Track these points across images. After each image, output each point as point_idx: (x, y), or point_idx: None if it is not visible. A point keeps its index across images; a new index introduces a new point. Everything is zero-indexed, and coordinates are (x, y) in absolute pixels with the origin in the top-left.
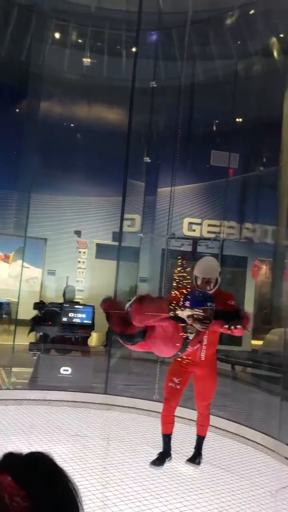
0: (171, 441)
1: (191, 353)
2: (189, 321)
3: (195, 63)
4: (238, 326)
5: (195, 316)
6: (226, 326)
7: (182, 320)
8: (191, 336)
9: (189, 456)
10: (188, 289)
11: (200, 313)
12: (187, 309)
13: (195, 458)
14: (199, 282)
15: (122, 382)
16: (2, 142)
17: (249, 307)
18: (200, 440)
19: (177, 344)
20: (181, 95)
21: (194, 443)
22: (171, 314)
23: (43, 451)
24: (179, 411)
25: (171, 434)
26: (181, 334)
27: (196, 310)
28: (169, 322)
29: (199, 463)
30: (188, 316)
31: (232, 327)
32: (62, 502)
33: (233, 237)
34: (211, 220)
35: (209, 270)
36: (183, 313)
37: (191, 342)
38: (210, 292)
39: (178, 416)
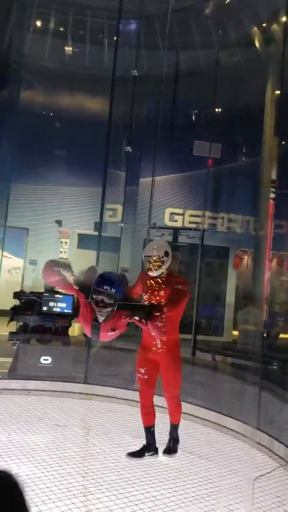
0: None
1: (147, 339)
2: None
3: (177, 52)
4: (137, 319)
5: (93, 297)
6: (125, 317)
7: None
8: (100, 319)
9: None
10: (178, 279)
11: (95, 295)
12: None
13: (169, 447)
14: (144, 263)
15: (102, 372)
16: None
17: (230, 297)
18: (172, 427)
19: (87, 323)
20: (162, 84)
21: (163, 430)
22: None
23: (7, 471)
24: (157, 400)
25: (152, 426)
26: (91, 314)
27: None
28: (79, 295)
29: (174, 451)
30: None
31: (133, 320)
32: None
33: (215, 227)
34: (193, 211)
35: (151, 247)
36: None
37: (102, 326)
38: (155, 274)
39: (161, 406)
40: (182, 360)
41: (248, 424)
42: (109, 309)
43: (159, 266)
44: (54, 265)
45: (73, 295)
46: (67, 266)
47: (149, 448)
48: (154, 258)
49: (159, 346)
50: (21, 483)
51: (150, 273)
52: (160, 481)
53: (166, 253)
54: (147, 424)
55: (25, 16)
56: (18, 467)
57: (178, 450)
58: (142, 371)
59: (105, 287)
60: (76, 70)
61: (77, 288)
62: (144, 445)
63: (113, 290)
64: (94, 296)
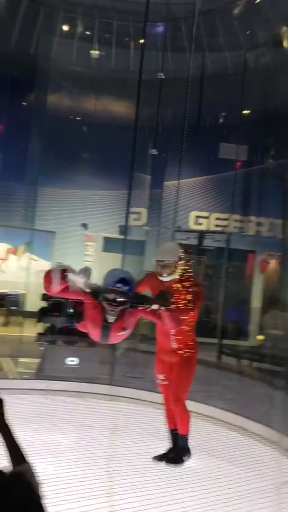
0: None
1: (162, 343)
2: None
3: (203, 54)
4: (155, 307)
5: (105, 296)
6: (144, 307)
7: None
8: (110, 320)
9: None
10: (191, 283)
11: (108, 293)
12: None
13: (174, 456)
14: (156, 268)
15: (127, 374)
16: (10, 135)
17: (256, 302)
18: (179, 438)
19: (97, 326)
20: (189, 87)
21: (201, 436)
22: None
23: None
24: (190, 405)
25: (174, 429)
26: (101, 315)
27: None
28: (87, 298)
29: (181, 460)
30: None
31: (148, 313)
32: None
33: (241, 230)
34: (218, 214)
35: (163, 252)
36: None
37: (112, 327)
38: (167, 279)
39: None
40: (206, 364)
41: (274, 429)
42: (121, 307)
43: (172, 272)
44: (58, 273)
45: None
46: (72, 270)
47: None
48: (168, 264)
49: (174, 347)
50: (36, 483)
51: (161, 278)
52: (185, 484)
53: (180, 258)
54: (171, 427)
55: (52, 20)
56: (43, 466)
57: (205, 453)
58: (161, 377)
59: (118, 285)
60: (102, 73)
61: (87, 291)
62: (170, 448)
63: (127, 288)
64: (106, 295)
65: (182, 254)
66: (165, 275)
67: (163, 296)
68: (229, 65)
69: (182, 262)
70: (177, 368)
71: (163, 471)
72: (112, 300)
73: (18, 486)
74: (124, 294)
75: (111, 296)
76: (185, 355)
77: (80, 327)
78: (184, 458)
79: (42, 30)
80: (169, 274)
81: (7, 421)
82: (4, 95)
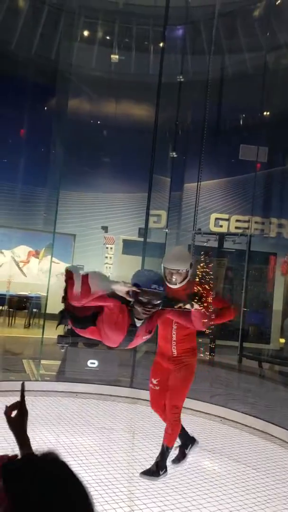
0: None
1: (164, 347)
2: (134, 303)
3: (223, 57)
4: (188, 307)
5: (140, 299)
6: (177, 306)
7: (128, 303)
8: (138, 323)
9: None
10: (211, 285)
11: (142, 295)
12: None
13: (151, 469)
14: (166, 275)
15: (148, 377)
16: (31, 140)
17: (278, 304)
18: (162, 449)
19: (123, 331)
20: (208, 89)
21: (222, 440)
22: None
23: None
24: (202, 406)
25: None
26: (127, 319)
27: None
28: (114, 302)
29: (154, 473)
30: (131, 297)
31: (182, 309)
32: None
33: (262, 233)
34: (239, 216)
35: (175, 259)
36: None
37: (139, 330)
38: (177, 286)
39: (201, 411)
40: (227, 367)
41: None
42: (155, 310)
43: (182, 279)
44: (81, 280)
45: None
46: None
47: (186, 444)
48: (179, 272)
49: (174, 354)
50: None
51: (170, 285)
52: (207, 489)
53: (191, 265)
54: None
55: (72, 26)
56: None
57: (226, 458)
58: (155, 381)
59: (153, 286)
60: (122, 77)
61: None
62: (179, 446)
63: (161, 288)
64: (141, 297)
65: (192, 260)
66: (174, 282)
67: (196, 296)
68: (249, 66)
69: (190, 269)
70: (176, 374)
71: (184, 476)
72: (147, 303)
73: (53, 462)
74: (158, 296)
75: (146, 298)
76: (184, 362)
77: (84, 333)
78: (160, 473)
79: (63, 35)
80: (179, 282)
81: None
82: (25, 100)
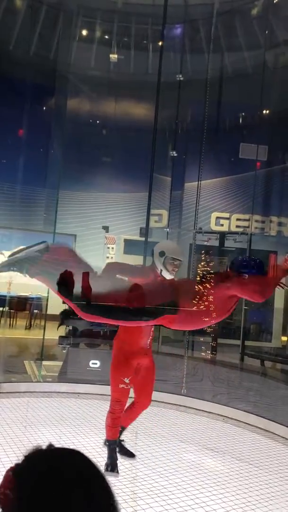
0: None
1: (141, 341)
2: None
3: (222, 55)
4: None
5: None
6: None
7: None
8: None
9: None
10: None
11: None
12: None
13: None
14: (170, 265)
15: None
16: (31, 140)
17: (279, 302)
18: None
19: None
20: (208, 88)
21: (224, 439)
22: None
23: (76, 450)
24: (205, 405)
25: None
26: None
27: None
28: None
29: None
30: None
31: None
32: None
33: (262, 231)
34: (239, 214)
35: (179, 252)
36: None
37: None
38: (172, 276)
39: (203, 411)
40: (229, 365)
41: None
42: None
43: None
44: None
45: None
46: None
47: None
48: (180, 264)
49: (148, 345)
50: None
51: (167, 275)
52: (210, 486)
53: None
54: (116, 437)
55: (71, 25)
56: None
57: (229, 456)
58: (127, 380)
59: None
60: (121, 77)
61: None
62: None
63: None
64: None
65: None
66: (174, 273)
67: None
68: (248, 65)
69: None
70: (149, 368)
71: (188, 473)
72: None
73: (75, 456)
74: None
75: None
76: (151, 354)
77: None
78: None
79: (61, 35)
80: (174, 274)
81: None
82: (24, 100)
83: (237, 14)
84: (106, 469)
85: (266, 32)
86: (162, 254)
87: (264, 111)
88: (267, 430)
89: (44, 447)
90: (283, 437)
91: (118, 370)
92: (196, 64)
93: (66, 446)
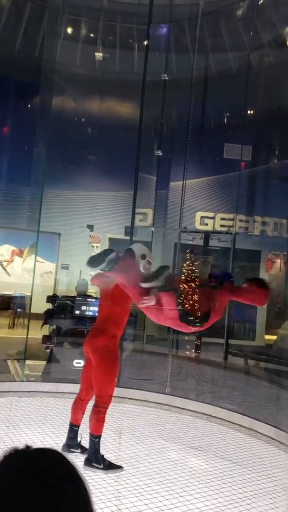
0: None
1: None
2: None
3: (207, 55)
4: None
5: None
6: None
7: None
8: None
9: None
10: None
11: None
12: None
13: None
14: (145, 267)
15: (134, 375)
16: (15, 138)
17: None
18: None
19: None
20: (193, 88)
21: (208, 437)
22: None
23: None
24: (189, 404)
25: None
26: None
27: None
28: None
29: (89, 465)
30: None
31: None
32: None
33: (246, 230)
34: (224, 214)
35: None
36: None
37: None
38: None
39: (187, 409)
40: (213, 364)
41: (282, 430)
42: None
43: None
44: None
45: None
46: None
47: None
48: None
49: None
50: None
51: None
52: (194, 485)
53: None
54: (78, 423)
55: (56, 23)
56: None
57: (212, 454)
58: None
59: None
60: (106, 75)
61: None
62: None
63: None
64: None
65: None
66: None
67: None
68: (233, 65)
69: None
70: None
71: (171, 472)
72: None
73: (52, 455)
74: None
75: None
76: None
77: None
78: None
79: (46, 33)
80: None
81: None
82: (9, 97)
83: (222, 14)
84: (107, 468)
85: (251, 33)
86: (143, 257)
87: (249, 112)
88: (250, 429)
89: (21, 447)
90: (266, 435)
91: (115, 366)
92: (181, 64)
93: (49, 446)
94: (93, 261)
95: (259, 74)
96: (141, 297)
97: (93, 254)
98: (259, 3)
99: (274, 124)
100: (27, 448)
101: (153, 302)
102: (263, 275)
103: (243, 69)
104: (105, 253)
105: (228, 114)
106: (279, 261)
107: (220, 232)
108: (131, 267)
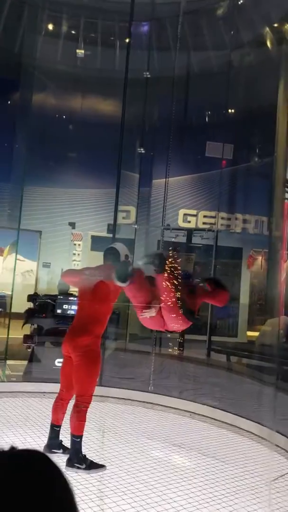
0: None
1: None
2: None
3: (189, 54)
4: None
5: None
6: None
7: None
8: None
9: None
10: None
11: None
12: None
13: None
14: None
15: (117, 374)
16: None
17: (244, 298)
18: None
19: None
20: (174, 86)
21: (191, 435)
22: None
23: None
24: (172, 401)
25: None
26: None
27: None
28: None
29: (71, 465)
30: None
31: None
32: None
33: (228, 228)
34: (206, 212)
35: None
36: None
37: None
38: None
39: (170, 407)
40: (195, 361)
41: (264, 426)
42: None
43: None
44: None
45: None
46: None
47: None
48: None
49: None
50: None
51: None
52: (177, 482)
53: None
54: (59, 423)
55: (36, 19)
56: None
57: (195, 452)
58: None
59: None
60: (88, 72)
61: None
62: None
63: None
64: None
65: None
66: None
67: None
68: (214, 64)
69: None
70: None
71: (154, 470)
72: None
73: (36, 457)
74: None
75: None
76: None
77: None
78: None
79: (26, 29)
80: None
81: None
82: None
83: (203, 13)
84: (89, 468)
85: (232, 32)
86: (127, 257)
87: (230, 110)
88: (233, 425)
89: (5, 448)
90: (249, 431)
91: (98, 366)
92: (163, 62)
93: (30, 446)
94: (123, 276)
95: (239, 73)
96: (141, 310)
97: (114, 265)
98: (239, 2)
99: (254, 123)
100: (12, 449)
101: (153, 314)
102: (245, 272)
103: (224, 68)
104: (125, 265)
105: (209, 112)
106: (260, 258)
107: (202, 230)
108: (145, 283)
